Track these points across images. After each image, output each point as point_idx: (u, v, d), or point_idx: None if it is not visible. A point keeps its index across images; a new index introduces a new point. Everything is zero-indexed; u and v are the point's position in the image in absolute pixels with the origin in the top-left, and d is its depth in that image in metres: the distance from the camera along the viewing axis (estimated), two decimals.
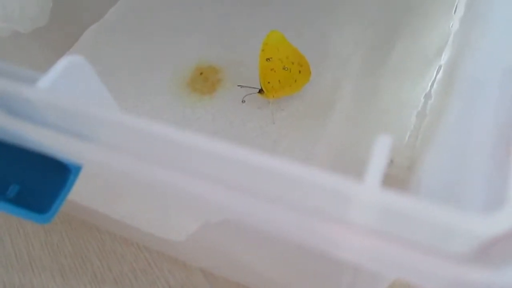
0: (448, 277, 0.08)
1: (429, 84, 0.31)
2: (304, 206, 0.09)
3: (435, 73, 0.32)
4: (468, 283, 0.08)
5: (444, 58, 0.32)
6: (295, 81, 0.34)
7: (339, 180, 0.08)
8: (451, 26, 0.33)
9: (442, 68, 0.31)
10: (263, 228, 0.09)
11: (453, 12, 0.34)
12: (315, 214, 0.08)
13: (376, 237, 0.08)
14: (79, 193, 0.16)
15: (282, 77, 0.33)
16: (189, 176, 0.09)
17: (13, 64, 0.38)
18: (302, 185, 0.08)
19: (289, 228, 0.09)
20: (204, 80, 0.37)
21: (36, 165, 0.15)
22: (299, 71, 0.34)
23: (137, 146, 0.10)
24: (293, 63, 0.33)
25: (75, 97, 0.10)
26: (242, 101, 0.34)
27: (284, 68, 0.33)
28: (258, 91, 0.34)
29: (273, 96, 0.33)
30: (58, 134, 0.10)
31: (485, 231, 0.08)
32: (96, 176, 0.15)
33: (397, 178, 0.30)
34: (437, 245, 0.08)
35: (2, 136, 0.12)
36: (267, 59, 0.33)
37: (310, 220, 0.08)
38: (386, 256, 0.08)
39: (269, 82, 0.33)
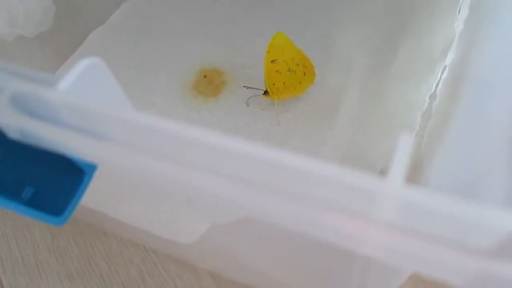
0: (471, 271, 0.08)
1: (434, 85, 0.31)
2: (327, 203, 0.09)
3: (440, 73, 0.32)
4: (491, 277, 0.08)
5: (449, 59, 0.32)
6: (300, 83, 0.34)
7: (364, 177, 0.08)
8: (456, 27, 0.33)
9: (447, 68, 0.31)
10: (285, 225, 0.09)
11: (457, 12, 0.34)
12: (339, 210, 0.08)
13: (399, 232, 0.08)
14: (88, 196, 0.16)
15: (287, 79, 0.33)
16: (215, 176, 0.10)
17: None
18: (325, 182, 0.08)
19: (312, 225, 0.09)
20: (209, 83, 0.37)
21: (51, 167, 0.15)
22: (304, 73, 0.34)
23: (151, 144, 0.10)
24: (298, 65, 0.33)
25: (94, 98, 0.11)
26: (246, 104, 0.34)
27: (289, 70, 0.33)
28: (263, 92, 0.34)
29: (278, 98, 0.34)
30: (76, 134, 0.10)
31: (508, 226, 0.08)
32: (109, 178, 0.15)
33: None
34: (460, 240, 0.08)
35: (18, 137, 0.12)
36: (272, 61, 0.33)
37: (334, 217, 0.08)
38: (410, 251, 0.08)
39: (274, 84, 0.33)
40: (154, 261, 0.29)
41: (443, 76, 0.31)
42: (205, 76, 0.37)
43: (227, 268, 0.28)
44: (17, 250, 0.31)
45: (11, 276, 0.30)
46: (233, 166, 0.09)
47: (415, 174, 0.30)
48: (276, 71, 0.33)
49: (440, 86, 0.31)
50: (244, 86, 0.35)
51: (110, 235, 0.31)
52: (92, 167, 0.13)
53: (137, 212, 0.25)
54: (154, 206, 0.23)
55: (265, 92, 0.34)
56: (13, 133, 0.11)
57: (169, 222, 0.24)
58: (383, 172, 0.30)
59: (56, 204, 0.15)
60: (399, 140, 0.09)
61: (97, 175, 0.15)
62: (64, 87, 0.10)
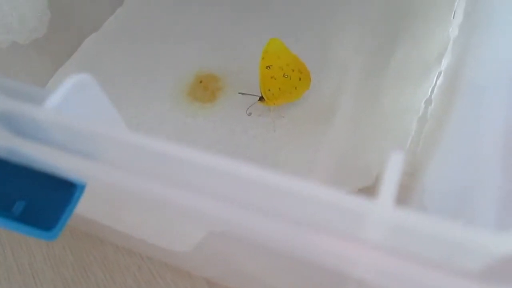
0: None
1: (430, 90, 0.31)
2: (318, 225, 0.09)
3: (435, 78, 0.32)
4: None
5: (444, 64, 0.32)
6: (296, 88, 0.34)
7: (354, 199, 0.08)
8: (450, 32, 0.33)
9: (442, 74, 0.31)
10: (274, 246, 0.09)
11: (452, 17, 0.34)
12: (329, 232, 0.08)
13: (389, 254, 0.08)
14: (83, 206, 0.16)
15: (283, 85, 0.33)
16: (206, 197, 0.09)
17: (14, 75, 0.38)
18: (316, 204, 0.08)
19: (301, 246, 0.09)
20: (204, 89, 0.37)
21: (41, 182, 0.15)
22: (299, 78, 0.34)
23: (141, 162, 0.10)
24: (293, 71, 0.33)
25: (83, 117, 0.10)
26: (247, 114, 0.34)
27: (284, 76, 0.33)
28: (258, 98, 0.34)
29: (274, 104, 0.33)
30: (64, 153, 0.10)
31: (499, 249, 0.08)
32: (100, 192, 0.15)
33: (399, 184, 0.30)
34: (450, 262, 0.08)
35: (6, 156, 0.12)
36: (267, 67, 0.33)
37: (324, 238, 0.08)
38: (399, 273, 0.08)
39: (269, 90, 0.33)
40: (150, 269, 0.29)
41: (438, 82, 0.31)
42: (201, 82, 0.37)
43: (224, 275, 0.28)
44: (12, 258, 0.31)
45: (6, 285, 0.29)
46: (221, 186, 0.09)
47: (410, 180, 0.30)
48: (271, 77, 0.33)
49: (435, 91, 0.31)
50: (240, 93, 0.35)
51: (106, 243, 0.31)
52: (82, 184, 0.13)
53: (132, 221, 0.24)
54: (148, 216, 0.23)
55: (261, 98, 0.33)
56: (1, 152, 0.11)
57: (165, 231, 0.24)
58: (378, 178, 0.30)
59: (47, 219, 0.15)
60: (389, 158, 0.09)
61: (89, 188, 0.15)
62: (51, 105, 0.10)
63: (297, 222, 0.08)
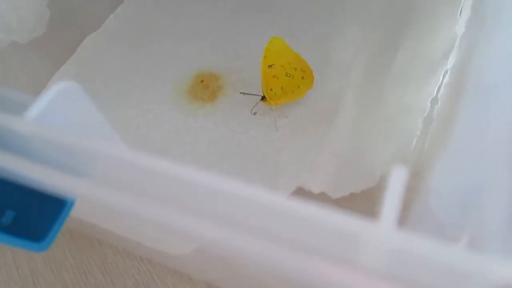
0: None
1: (436, 89, 0.31)
2: (314, 248, 0.08)
3: (441, 77, 0.31)
4: None
5: (450, 62, 0.31)
6: (298, 87, 0.33)
7: (353, 222, 0.07)
8: (457, 29, 0.32)
9: (448, 72, 0.31)
10: (270, 269, 0.08)
11: (459, 14, 0.33)
12: (327, 256, 0.08)
13: (389, 283, 0.08)
14: (80, 210, 0.15)
15: (285, 84, 0.32)
16: (197, 215, 0.09)
17: (13, 75, 0.37)
18: (313, 226, 0.08)
19: (294, 272, 0.08)
20: (205, 88, 0.36)
21: (31, 193, 0.14)
22: (302, 78, 0.33)
23: (127, 178, 0.09)
24: (295, 70, 0.33)
25: (68, 128, 0.10)
26: (253, 114, 0.34)
27: (286, 75, 0.32)
28: (260, 98, 0.33)
29: (276, 103, 0.33)
30: (46, 168, 0.09)
31: (504, 277, 0.07)
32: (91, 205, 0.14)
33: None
34: None
35: None
36: (269, 66, 0.32)
37: (321, 264, 0.08)
38: None
39: (271, 89, 0.32)
40: (150, 271, 0.29)
41: (444, 80, 0.30)
42: (201, 81, 0.37)
43: (224, 279, 0.28)
44: (12, 261, 0.30)
45: None
46: (214, 205, 0.09)
47: (416, 180, 0.30)
48: (273, 76, 0.32)
49: (441, 90, 0.30)
50: (241, 93, 0.34)
51: (106, 245, 0.30)
52: (71, 200, 0.13)
53: (131, 225, 0.24)
54: (143, 223, 0.22)
55: (263, 98, 0.33)
56: None
57: (164, 234, 0.24)
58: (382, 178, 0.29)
59: (38, 230, 0.14)
60: (391, 174, 0.08)
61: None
62: (32, 115, 0.09)
63: (291, 245, 0.08)
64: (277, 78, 0.32)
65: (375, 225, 0.07)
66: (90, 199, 0.10)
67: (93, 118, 0.11)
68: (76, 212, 0.16)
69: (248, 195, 0.08)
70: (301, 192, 0.29)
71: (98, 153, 0.09)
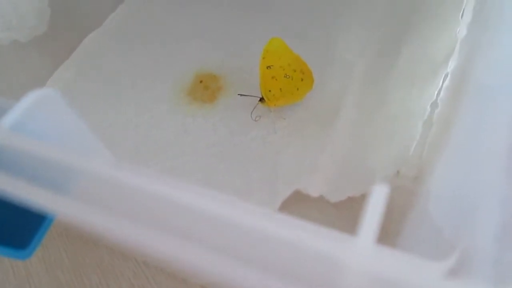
0: None
1: (436, 93, 0.30)
2: (291, 271, 0.08)
3: (441, 81, 0.30)
4: None
5: (451, 66, 0.31)
6: (297, 89, 0.33)
7: (328, 241, 0.07)
8: (458, 32, 0.32)
9: (449, 75, 0.30)
10: None
11: (460, 17, 0.33)
12: (303, 278, 0.07)
13: None
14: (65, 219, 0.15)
15: (284, 85, 0.32)
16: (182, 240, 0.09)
17: (13, 73, 0.37)
18: (290, 249, 0.07)
19: None
20: (204, 88, 0.36)
21: (11, 203, 0.14)
22: (301, 79, 0.33)
23: (107, 194, 0.09)
24: (295, 71, 0.32)
25: (46, 136, 0.10)
26: (255, 120, 0.33)
27: (285, 76, 0.32)
28: (259, 99, 0.33)
29: (275, 105, 0.32)
30: (22, 183, 0.09)
31: None
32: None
33: (404, 189, 0.29)
34: None
35: None
36: (268, 67, 0.32)
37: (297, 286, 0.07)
38: None
39: (270, 91, 0.32)
40: (145, 274, 0.29)
41: (445, 84, 0.30)
42: (201, 81, 0.36)
43: (220, 282, 0.27)
44: (8, 261, 0.30)
45: None
46: (193, 228, 0.08)
47: (415, 184, 0.29)
48: (272, 77, 0.32)
49: (442, 93, 0.30)
50: (239, 94, 0.34)
51: (102, 246, 0.30)
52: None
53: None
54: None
55: (261, 99, 0.33)
56: None
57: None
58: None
59: (21, 238, 0.14)
60: (372, 193, 0.08)
61: None
62: (6, 124, 0.09)
63: (265, 268, 0.08)
64: (276, 80, 0.32)
65: (352, 244, 0.07)
66: (67, 217, 0.10)
67: (74, 127, 0.11)
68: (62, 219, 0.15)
69: (217, 215, 0.08)
70: (299, 196, 0.28)
71: (75, 166, 0.09)
